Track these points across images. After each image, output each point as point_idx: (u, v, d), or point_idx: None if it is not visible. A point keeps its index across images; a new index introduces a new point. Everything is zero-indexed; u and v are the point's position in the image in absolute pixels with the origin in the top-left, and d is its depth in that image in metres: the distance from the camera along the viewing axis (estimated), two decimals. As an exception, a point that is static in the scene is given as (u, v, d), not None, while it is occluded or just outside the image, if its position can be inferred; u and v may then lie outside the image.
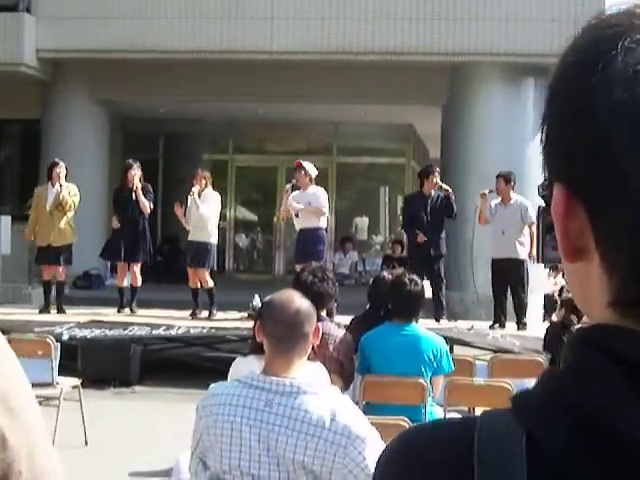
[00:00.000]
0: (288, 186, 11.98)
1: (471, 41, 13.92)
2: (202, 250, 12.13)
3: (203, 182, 12.20)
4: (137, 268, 12.52)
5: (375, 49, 14.04)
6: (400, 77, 14.99)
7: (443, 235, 12.14)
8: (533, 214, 11.28)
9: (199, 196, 12.10)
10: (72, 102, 15.61)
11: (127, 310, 12.55)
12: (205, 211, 12.07)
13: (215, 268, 12.68)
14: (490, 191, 11.72)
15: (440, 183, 12.07)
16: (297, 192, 11.79)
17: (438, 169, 12.43)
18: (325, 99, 15.73)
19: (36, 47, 14.77)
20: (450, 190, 11.98)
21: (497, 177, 11.74)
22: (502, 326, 11.83)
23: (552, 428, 0.79)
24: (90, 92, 15.74)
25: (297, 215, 11.77)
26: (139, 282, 12.58)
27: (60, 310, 12.45)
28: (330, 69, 14.84)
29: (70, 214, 12.30)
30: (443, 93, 15.06)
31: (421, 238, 11.94)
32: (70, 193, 12.22)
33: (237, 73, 15.05)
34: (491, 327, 11.84)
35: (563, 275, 12.55)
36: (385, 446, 0.92)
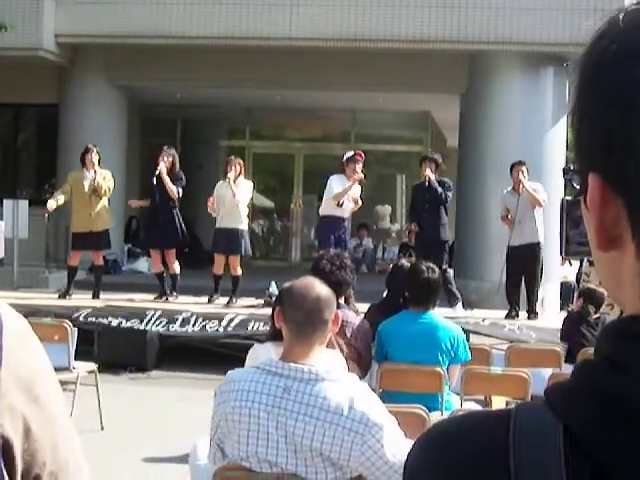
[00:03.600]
0: (362, 177, 11.84)
1: (490, 30, 13.84)
2: (236, 237, 12.07)
3: (238, 168, 12.11)
4: (170, 254, 12.48)
5: (394, 37, 13.98)
6: (418, 65, 14.93)
7: (443, 221, 12.09)
8: (542, 192, 11.41)
9: (234, 182, 12.04)
10: (90, 87, 15.62)
11: (167, 298, 12.44)
12: (240, 197, 12.03)
13: (250, 253, 12.67)
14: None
15: (427, 172, 12.00)
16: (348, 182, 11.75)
17: (439, 157, 12.31)
18: (343, 86, 15.67)
19: (55, 32, 14.77)
20: (430, 177, 11.90)
21: (514, 166, 11.66)
22: (516, 315, 11.80)
23: (589, 421, 0.77)
24: (108, 77, 15.74)
25: (340, 205, 11.68)
26: (175, 269, 12.51)
27: (95, 295, 12.44)
28: (348, 56, 14.78)
29: (105, 199, 12.33)
30: (461, 81, 14.99)
31: (412, 228, 12.59)
32: (105, 178, 12.24)
33: (255, 59, 15.02)
34: (507, 317, 11.81)
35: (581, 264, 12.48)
36: (416, 440, 0.89)
